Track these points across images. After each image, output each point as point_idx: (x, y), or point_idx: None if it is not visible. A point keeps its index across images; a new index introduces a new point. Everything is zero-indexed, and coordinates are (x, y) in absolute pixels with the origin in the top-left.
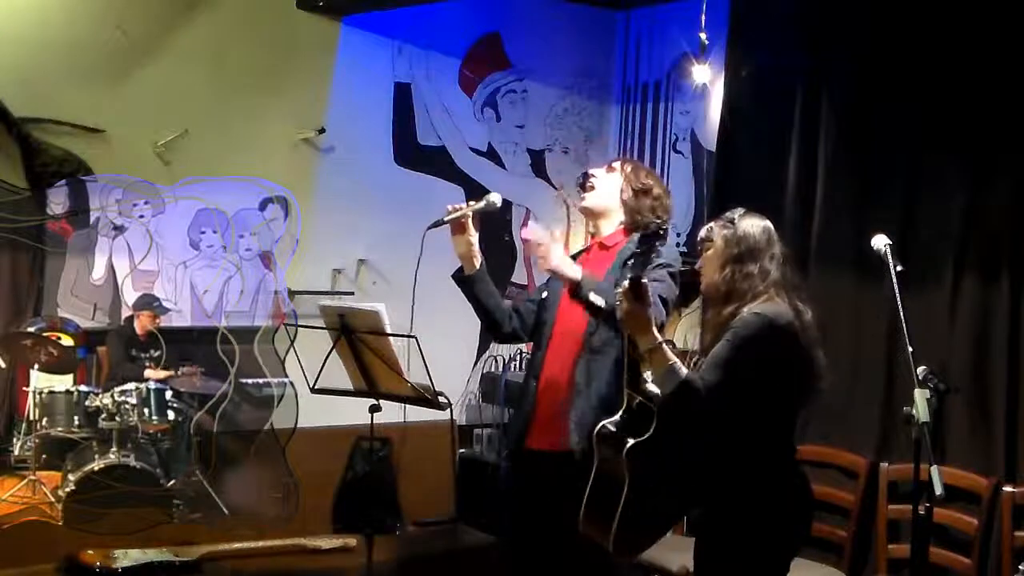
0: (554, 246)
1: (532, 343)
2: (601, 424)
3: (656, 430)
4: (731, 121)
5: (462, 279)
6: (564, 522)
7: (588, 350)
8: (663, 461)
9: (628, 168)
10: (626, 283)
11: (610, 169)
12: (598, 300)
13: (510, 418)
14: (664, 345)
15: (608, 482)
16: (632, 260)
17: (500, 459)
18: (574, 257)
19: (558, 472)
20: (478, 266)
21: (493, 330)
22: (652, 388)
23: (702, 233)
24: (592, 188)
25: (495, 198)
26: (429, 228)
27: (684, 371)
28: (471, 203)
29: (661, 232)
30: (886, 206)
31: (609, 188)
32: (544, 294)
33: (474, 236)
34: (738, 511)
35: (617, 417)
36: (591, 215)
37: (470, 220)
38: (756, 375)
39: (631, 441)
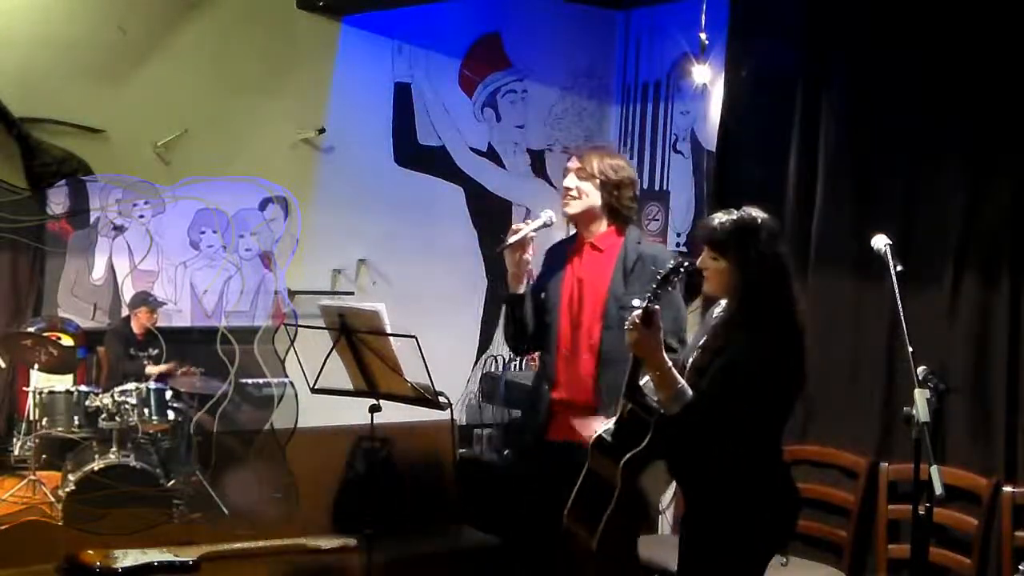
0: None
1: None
2: (598, 434)
3: (650, 442)
4: (731, 121)
5: (513, 298)
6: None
7: (604, 358)
8: None
9: (596, 165)
10: (638, 312)
11: (582, 173)
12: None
13: (521, 418)
14: (672, 369)
15: (598, 484)
16: (649, 291)
17: (504, 457)
18: (562, 251)
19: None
20: (524, 286)
21: (519, 343)
22: (650, 401)
23: (713, 230)
24: (575, 197)
25: (549, 214)
26: (499, 251)
27: (689, 393)
28: (529, 222)
29: (682, 269)
30: (886, 206)
31: (590, 193)
32: (542, 295)
33: (529, 256)
34: (721, 509)
35: (611, 425)
36: (578, 221)
37: (530, 240)
38: (754, 396)
39: (628, 454)
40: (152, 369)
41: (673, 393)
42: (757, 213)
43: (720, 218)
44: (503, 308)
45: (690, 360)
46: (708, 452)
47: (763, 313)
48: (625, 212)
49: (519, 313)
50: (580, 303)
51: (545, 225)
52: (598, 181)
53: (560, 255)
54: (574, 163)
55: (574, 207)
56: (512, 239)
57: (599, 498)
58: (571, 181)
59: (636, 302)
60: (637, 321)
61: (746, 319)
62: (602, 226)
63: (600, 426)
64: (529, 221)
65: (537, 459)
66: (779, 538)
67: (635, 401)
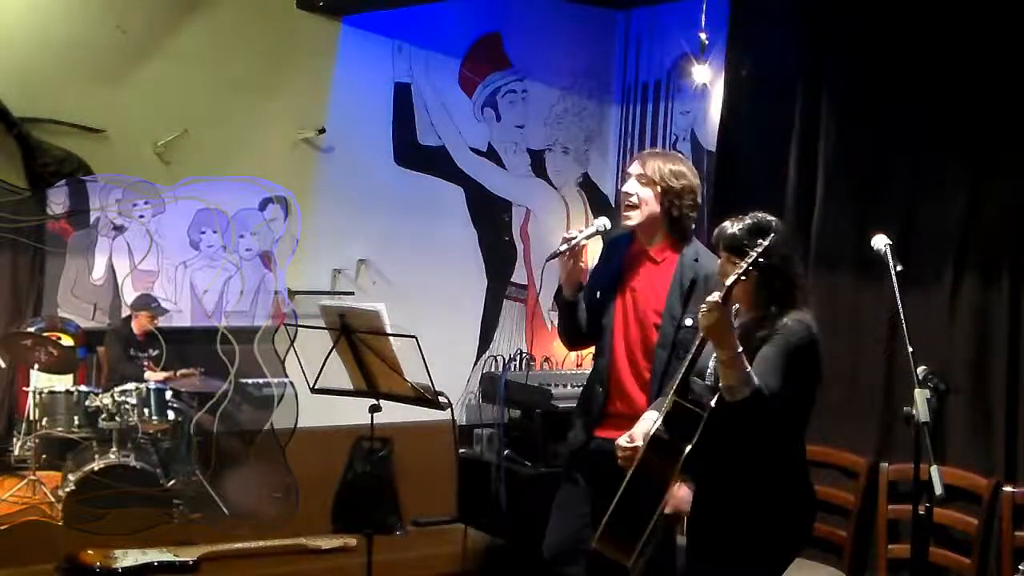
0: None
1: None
2: (653, 432)
3: (702, 436)
4: (731, 121)
5: (569, 302)
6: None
7: (657, 375)
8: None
9: (657, 171)
10: (717, 295)
11: (643, 180)
12: None
13: (574, 418)
14: (742, 352)
15: (642, 489)
16: (740, 270)
17: (564, 457)
18: (619, 251)
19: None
20: (577, 292)
21: (575, 342)
22: (700, 395)
23: (732, 235)
24: (635, 207)
25: (603, 222)
26: (548, 260)
27: (756, 378)
28: (582, 229)
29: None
30: (886, 206)
31: (650, 202)
32: (598, 294)
33: (583, 264)
34: (747, 510)
35: (660, 424)
36: (637, 229)
37: (582, 247)
38: (802, 382)
39: (687, 447)
40: (151, 375)
41: (743, 377)
42: (769, 216)
43: (735, 224)
44: (557, 309)
45: (711, 363)
46: (769, 437)
47: (784, 310)
48: (685, 221)
49: (573, 316)
50: (632, 313)
51: (597, 232)
52: (659, 188)
53: (617, 255)
54: (636, 168)
55: (635, 218)
56: (563, 247)
57: (639, 510)
58: (632, 187)
59: (715, 295)
60: (718, 300)
61: (772, 317)
62: (661, 236)
63: (650, 425)
64: (582, 228)
65: (585, 458)
66: (800, 541)
67: (682, 395)
